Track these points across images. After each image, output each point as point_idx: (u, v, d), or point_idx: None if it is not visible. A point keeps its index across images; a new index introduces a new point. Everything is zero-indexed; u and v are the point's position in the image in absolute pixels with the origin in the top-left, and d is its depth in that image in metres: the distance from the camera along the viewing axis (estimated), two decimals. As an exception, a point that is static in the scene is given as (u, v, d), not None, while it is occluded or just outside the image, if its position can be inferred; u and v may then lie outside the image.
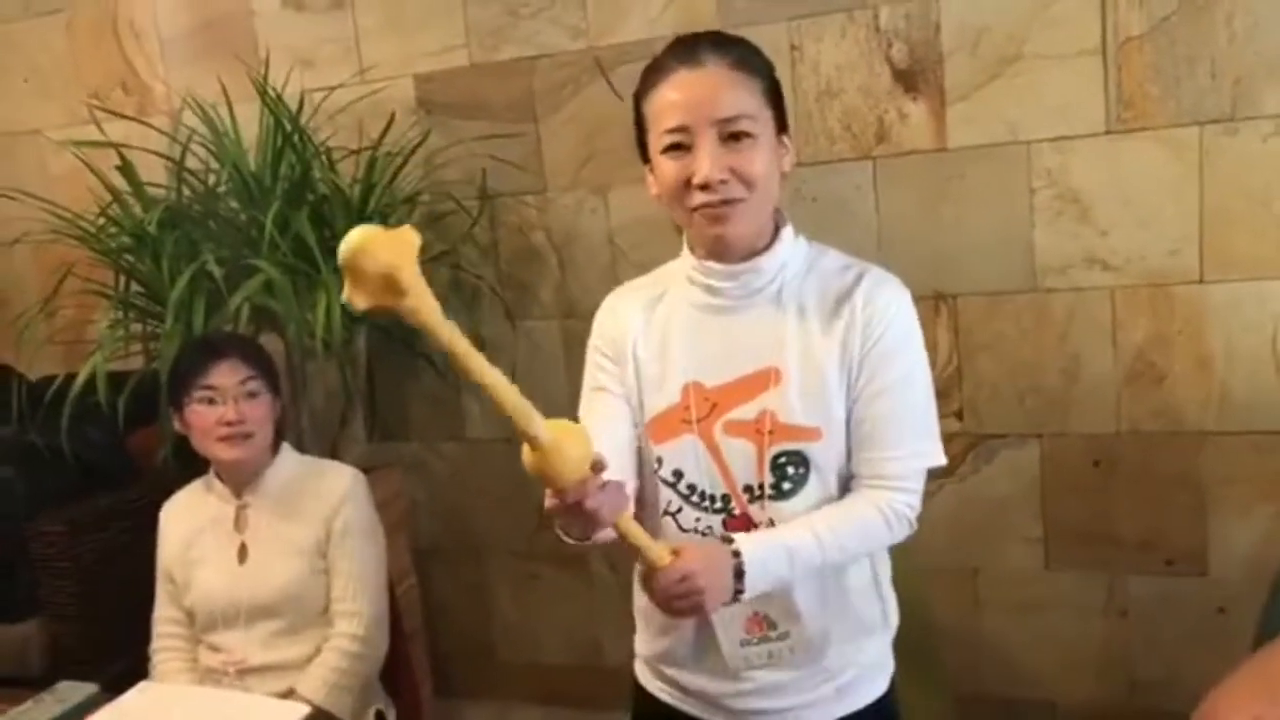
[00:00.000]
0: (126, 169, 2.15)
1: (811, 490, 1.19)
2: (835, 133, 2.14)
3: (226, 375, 1.73)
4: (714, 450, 1.20)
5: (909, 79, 2.07)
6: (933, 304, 2.10)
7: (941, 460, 1.22)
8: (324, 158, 2.24)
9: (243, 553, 1.77)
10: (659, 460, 1.23)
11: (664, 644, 1.30)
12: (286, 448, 1.84)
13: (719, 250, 1.20)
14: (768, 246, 1.21)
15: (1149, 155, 1.94)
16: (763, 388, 1.18)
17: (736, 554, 1.11)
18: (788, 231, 1.23)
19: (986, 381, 2.12)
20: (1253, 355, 1.95)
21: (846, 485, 1.22)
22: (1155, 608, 2.08)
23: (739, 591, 1.11)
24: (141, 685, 1.54)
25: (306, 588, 1.75)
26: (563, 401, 1.21)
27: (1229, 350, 1.96)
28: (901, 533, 1.21)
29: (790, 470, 1.18)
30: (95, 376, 2.01)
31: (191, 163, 2.27)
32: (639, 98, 1.22)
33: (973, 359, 2.12)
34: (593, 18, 2.27)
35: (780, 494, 1.18)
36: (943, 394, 2.11)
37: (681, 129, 1.14)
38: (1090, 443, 2.07)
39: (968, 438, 2.14)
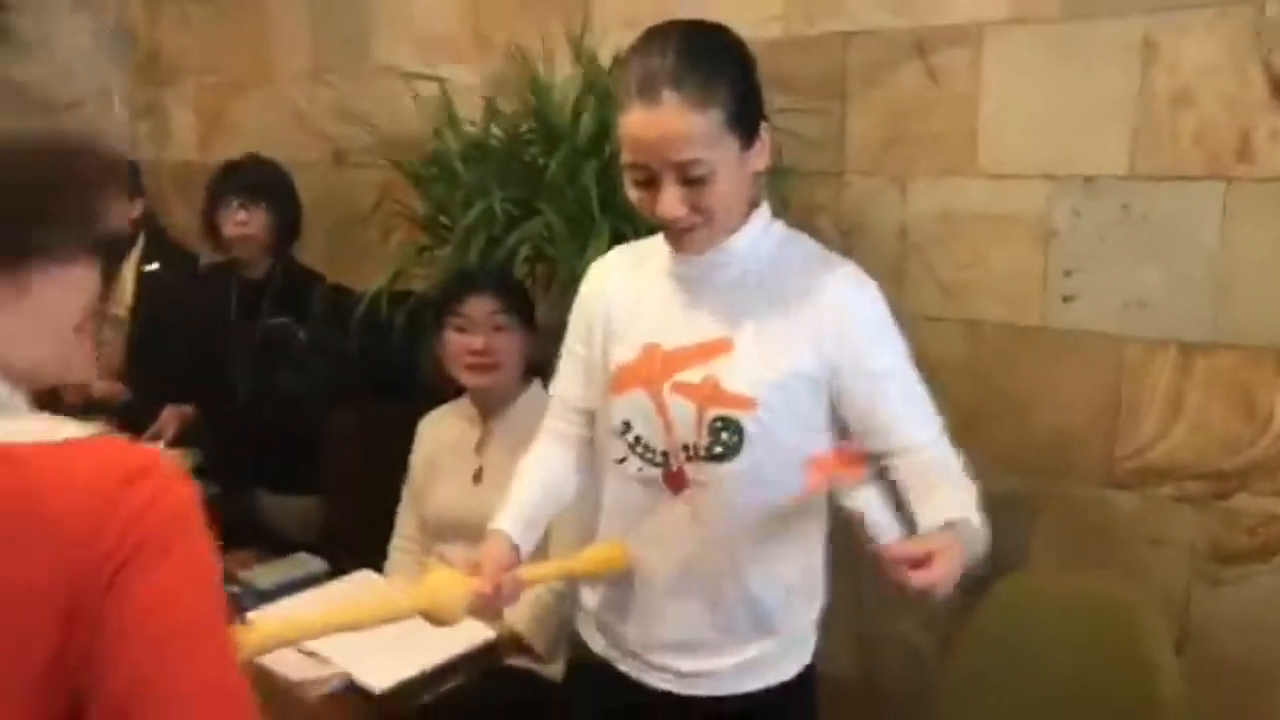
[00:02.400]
0: (446, 104, 2.30)
1: (743, 460, 1.26)
2: (1184, 145, 1.86)
3: (478, 307, 1.80)
4: (660, 407, 1.29)
5: (1288, 92, 1.76)
6: (1275, 365, 1.78)
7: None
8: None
9: (478, 475, 1.85)
10: (612, 411, 1.33)
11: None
12: (537, 382, 1.89)
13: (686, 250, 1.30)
14: (729, 240, 1.28)
15: None
16: (713, 355, 1.27)
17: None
18: (758, 214, 1.31)
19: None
20: None
21: (782, 468, 1.26)
22: None
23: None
24: (360, 574, 1.65)
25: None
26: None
27: None
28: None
29: (724, 435, 1.26)
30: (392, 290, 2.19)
31: (506, 108, 2.38)
32: (617, 105, 1.27)
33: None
34: (920, -4, 2.13)
35: (713, 457, 1.27)
36: (1268, 471, 1.80)
37: (643, 166, 1.21)
38: None
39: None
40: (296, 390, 2.47)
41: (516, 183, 2.16)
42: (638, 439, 1.30)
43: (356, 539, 2.18)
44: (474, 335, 1.82)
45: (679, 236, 1.27)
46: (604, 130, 2.21)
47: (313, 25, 3.43)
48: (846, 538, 2.25)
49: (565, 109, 2.30)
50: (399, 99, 2.76)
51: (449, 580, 1.20)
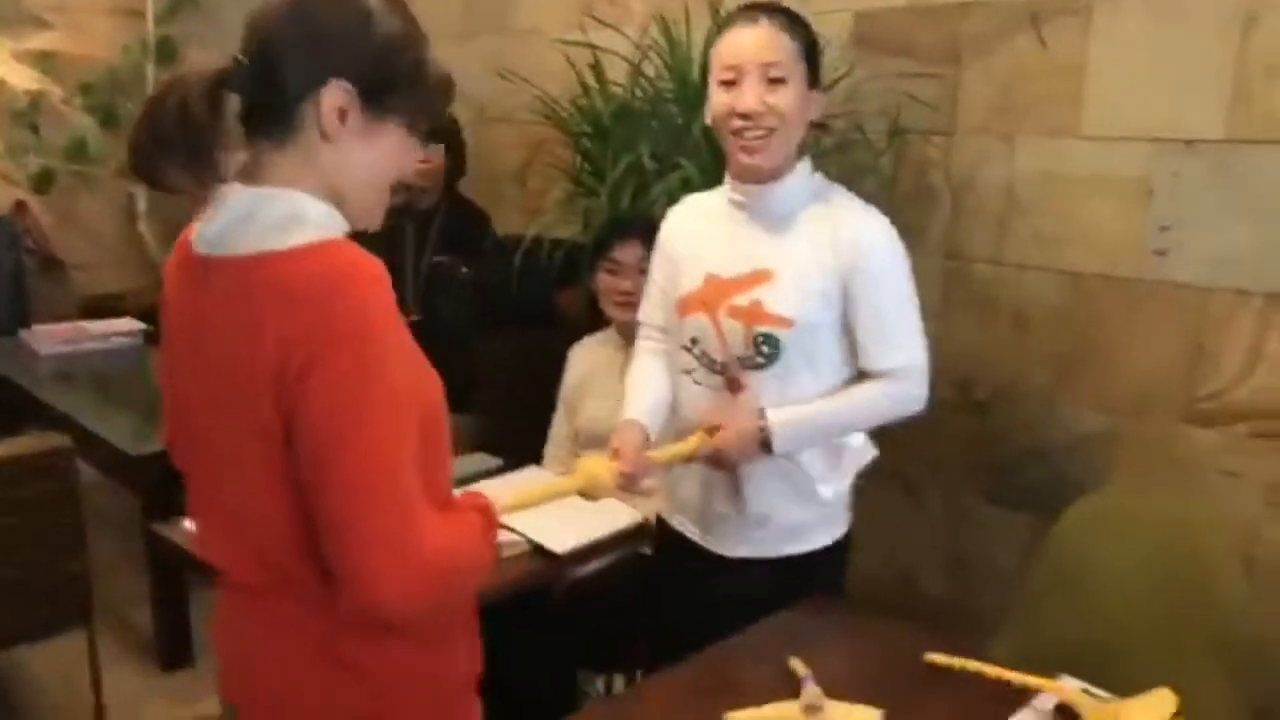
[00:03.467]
0: (597, 68, 2.57)
1: (779, 368, 1.58)
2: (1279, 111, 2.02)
3: (628, 253, 2.08)
4: (718, 326, 1.60)
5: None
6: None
7: (924, 357, 1.62)
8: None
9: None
10: (682, 330, 1.66)
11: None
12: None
13: (747, 175, 1.60)
14: (782, 176, 1.59)
15: None
16: (758, 283, 1.58)
17: (764, 428, 1.54)
18: (802, 165, 1.62)
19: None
20: None
21: (815, 372, 1.59)
22: None
23: (769, 451, 1.55)
24: (529, 469, 1.98)
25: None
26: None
27: None
28: (911, 408, 1.63)
29: (765, 349, 1.58)
30: (542, 237, 2.49)
31: (649, 70, 2.64)
32: (710, 48, 1.62)
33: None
34: (1036, -32, 2.30)
35: (756, 366, 1.59)
36: None
37: (734, 68, 1.53)
38: None
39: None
40: (456, 319, 2.80)
41: (659, 139, 2.43)
42: (703, 353, 1.63)
43: (505, 449, 2.51)
44: (623, 278, 2.10)
45: (750, 144, 1.55)
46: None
47: (464, -11, 3.74)
48: (944, 485, 2.49)
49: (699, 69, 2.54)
50: (544, 60, 3.05)
51: (598, 464, 1.51)
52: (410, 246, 3.02)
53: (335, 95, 1.02)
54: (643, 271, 2.07)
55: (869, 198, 2.57)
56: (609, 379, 2.16)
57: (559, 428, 2.28)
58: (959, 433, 2.53)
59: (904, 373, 1.60)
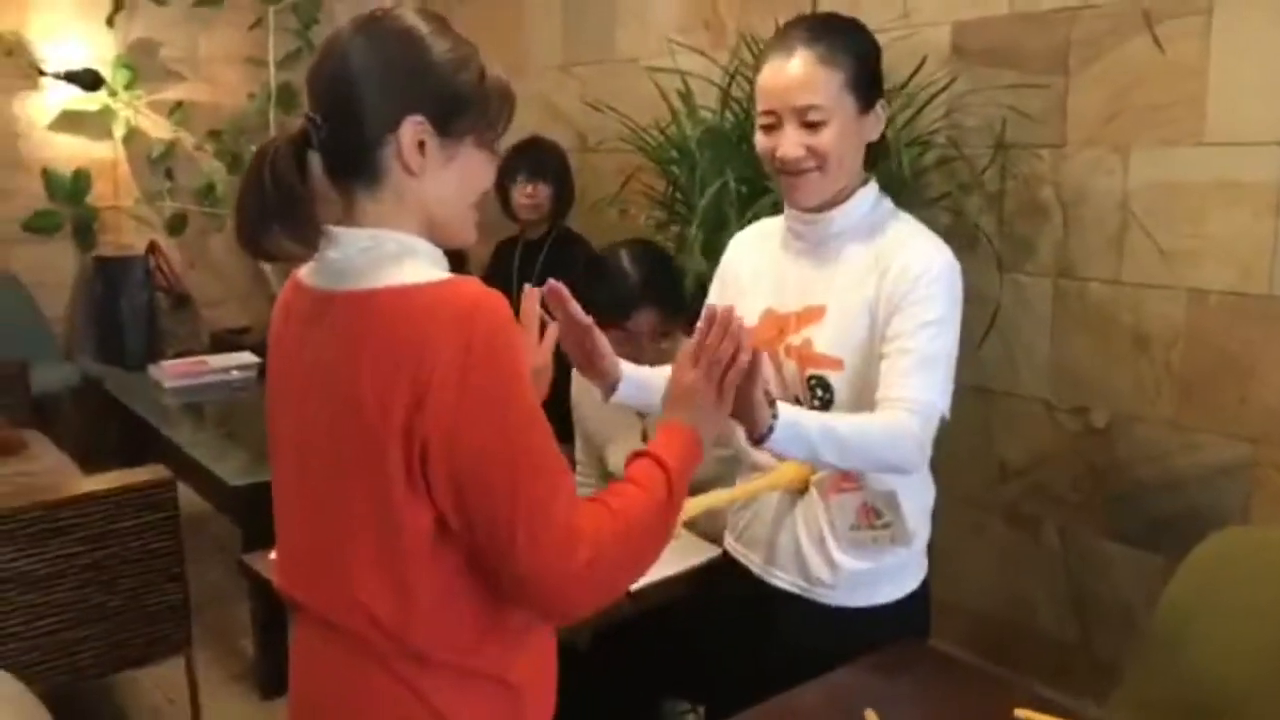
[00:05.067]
0: (685, 94, 2.53)
1: (836, 410, 1.42)
2: None
3: (642, 321, 1.90)
4: (778, 365, 1.48)
5: None
6: None
7: (944, 411, 1.38)
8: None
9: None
10: None
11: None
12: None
13: (799, 204, 1.47)
14: (840, 204, 1.44)
15: None
16: (810, 321, 1.46)
17: (774, 415, 1.28)
18: (864, 192, 1.46)
19: None
20: None
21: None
22: None
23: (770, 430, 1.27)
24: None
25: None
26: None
27: None
28: (909, 454, 1.35)
29: (819, 392, 1.44)
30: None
31: (739, 93, 2.59)
32: (755, 71, 1.48)
33: None
34: (1149, -34, 2.15)
35: (814, 409, 1.42)
36: None
37: (770, 112, 1.41)
38: None
39: None
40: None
41: (748, 163, 2.37)
42: (765, 391, 1.44)
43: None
44: (634, 345, 1.90)
45: (794, 183, 1.42)
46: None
47: (564, 22, 3.78)
48: (1062, 519, 2.34)
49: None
50: (640, 88, 3.04)
51: (792, 466, 1.46)
52: (516, 278, 3.08)
53: (412, 131, 1.04)
54: (663, 335, 1.94)
55: (973, 214, 2.52)
56: (630, 433, 2.07)
57: (582, 455, 2.21)
58: (1077, 462, 2.37)
59: (910, 405, 1.35)
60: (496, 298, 1.03)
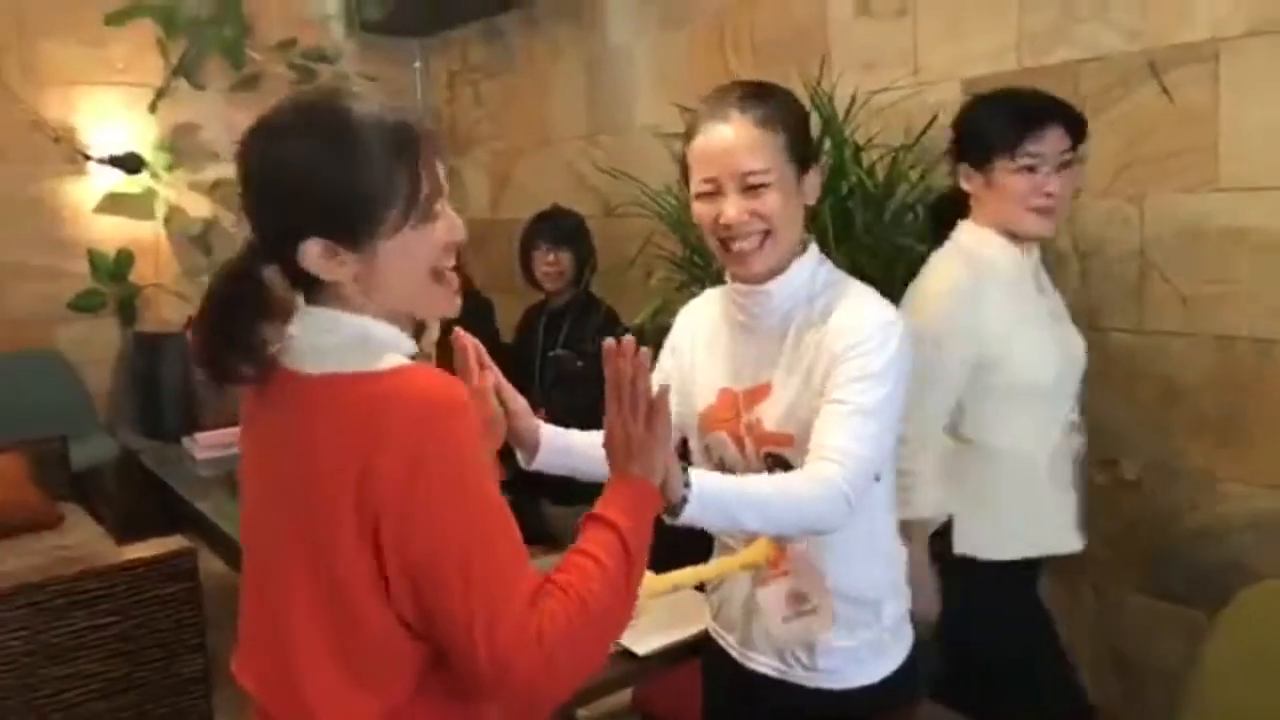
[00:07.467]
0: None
1: (756, 475, 1.32)
2: None
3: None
4: (739, 444, 1.43)
5: None
6: None
7: (877, 467, 1.31)
8: (852, 151, 2.43)
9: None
10: (706, 447, 1.48)
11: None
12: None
13: (742, 277, 1.42)
14: (780, 273, 1.40)
15: None
16: (759, 400, 1.41)
17: (687, 484, 1.18)
18: (804, 260, 1.41)
19: None
20: None
21: None
22: None
23: (684, 501, 1.18)
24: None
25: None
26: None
27: None
28: (834, 505, 1.25)
29: (775, 469, 1.38)
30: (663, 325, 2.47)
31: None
32: (685, 140, 1.41)
33: None
34: (1153, 18, 2.16)
35: None
36: None
37: (711, 180, 1.36)
38: None
39: None
40: (573, 412, 2.81)
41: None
42: (720, 461, 1.45)
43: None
44: None
45: (741, 252, 1.37)
46: (839, 169, 2.40)
47: (588, 93, 3.86)
48: (1097, 573, 2.27)
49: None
50: (658, 154, 3.08)
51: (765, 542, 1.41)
52: (541, 345, 3.12)
53: (315, 251, 0.99)
54: None
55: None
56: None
57: None
58: (1109, 516, 2.31)
59: (835, 454, 1.28)
60: (449, 388, 0.98)
